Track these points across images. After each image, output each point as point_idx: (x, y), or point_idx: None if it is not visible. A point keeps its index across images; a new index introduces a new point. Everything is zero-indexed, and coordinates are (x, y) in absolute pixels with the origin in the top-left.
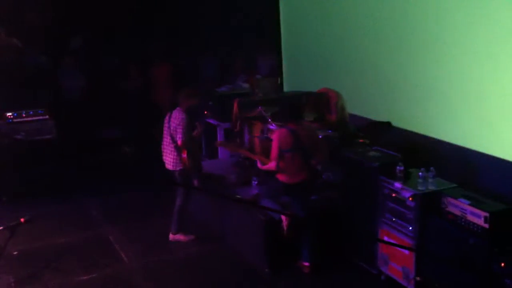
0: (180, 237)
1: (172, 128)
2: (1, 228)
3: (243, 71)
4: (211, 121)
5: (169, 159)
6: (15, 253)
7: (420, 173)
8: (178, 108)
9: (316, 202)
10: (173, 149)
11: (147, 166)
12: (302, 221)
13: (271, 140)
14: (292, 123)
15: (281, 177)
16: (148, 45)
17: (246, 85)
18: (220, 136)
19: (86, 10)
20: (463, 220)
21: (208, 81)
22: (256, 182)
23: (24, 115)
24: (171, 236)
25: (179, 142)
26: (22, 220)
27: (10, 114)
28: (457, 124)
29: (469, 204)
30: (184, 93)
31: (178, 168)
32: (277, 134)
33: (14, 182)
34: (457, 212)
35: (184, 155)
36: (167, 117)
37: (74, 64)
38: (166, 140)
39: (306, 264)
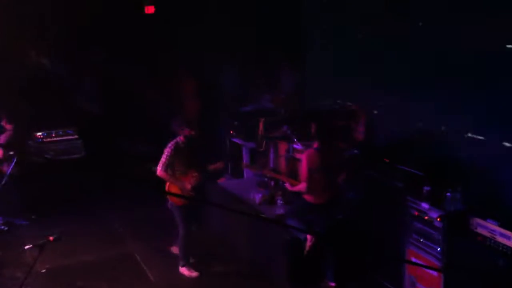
0: (184, 271)
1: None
2: (30, 246)
3: (267, 90)
4: (236, 140)
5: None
6: (43, 271)
7: (447, 193)
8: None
9: (342, 222)
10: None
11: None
12: (327, 240)
13: (296, 159)
14: (319, 143)
15: (307, 197)
16: (174, 62)
17: (270, 104)
18: (245, 156)
19: (109, 26)
20: (492, 241)
21: (232, 100)
22: (281, 202)
23: (53, 135)
24: (180, 269)
25: (157, 171)
26: (50, 238)
27: (40, 134)
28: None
29: (498, 225)
30: (176, 122)
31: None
32: (305, 155)
33: (42, 200)
34: (486, 233)
35: (167, 186)
36: None
37: (98, 81)
38: None
39: (332, 284)
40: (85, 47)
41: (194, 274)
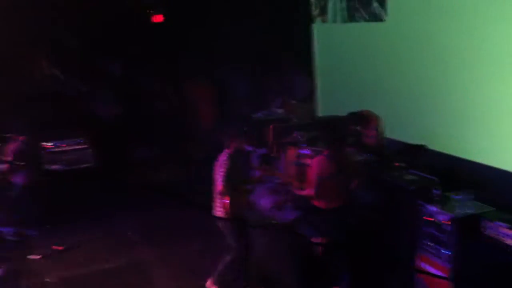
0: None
1: (216, 172)
2: (39, 256)
3: (277, 96)
4: (248, 147)
5: (216, 204)
6: (53, 280)
7: (457, 197)
8: (225, 150)
9: (353, 227)
10: (216, 194)
11: (184, 188)
12: (338, 245)
13: (306, 165)
14: (330, 150)
15: (318, 203)
16: (184, 68)
17: (281, 111)
18: (255, 162)
19: (119, 34)
20: (502, 244)
21: (243, 106)
22: (292, 207)
23: (64, 145)
24: (208, 283)
25: (218, 187)
26: (60, 248)
27: (51, 144)
28: (495, 146)
29: (508, 228)
30: (228, 134)
31: (219, 215)
32: (315, 162)
33: (55, 210)
34: (496, 236)
35: (226, 201)
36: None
37: (109, 87)
38: (214, 185)
39: None
40: (96, 56)
41: None
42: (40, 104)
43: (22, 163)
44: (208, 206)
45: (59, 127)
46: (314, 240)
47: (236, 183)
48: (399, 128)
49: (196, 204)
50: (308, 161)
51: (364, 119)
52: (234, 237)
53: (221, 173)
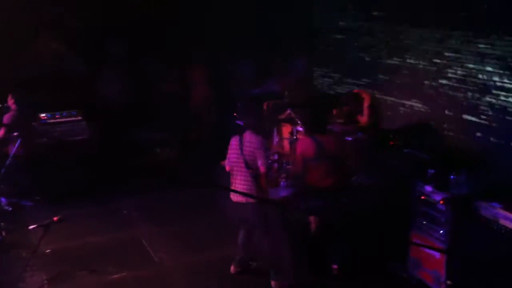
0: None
1: (247, 154)
2: (34, 226)
3: (274, 73)
4: (240, 122)
5: (243, 187)
6: (48, 251)
7: (452, 176)
8: (250, 131)
9: (346, 205)
10: (248, 177)
11: (183, 168)
12: (331, 223)
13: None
14: (318, 133)
15: (309, 181)
16: (185, 48)
17: (277, 88)
18: None
19: (124, 15)
20: (495, 224)
21: (239, 83)
22: (285, 184)
23: (57, 117)
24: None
25: (261, 169)
26: (55, 218)
27: (44, 115)
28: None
29: (502, 208)
30: (258, 115)
31: (251, 201)
32: (300, 142)
33: (49, 182)
34: (489, 215)
35: (264, 184)
36: (236, 141)
37: (111, 68)
38: (238, 168)
39: (335, 266)
40: (99, 36)
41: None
42: (39, 78)
43: (15, 134)
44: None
45: (58, 101)
46: (308, 218)
47: None
48: (396, 107)
49: (193, 184)
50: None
51: (356, 97)
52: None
53: (261, 153)
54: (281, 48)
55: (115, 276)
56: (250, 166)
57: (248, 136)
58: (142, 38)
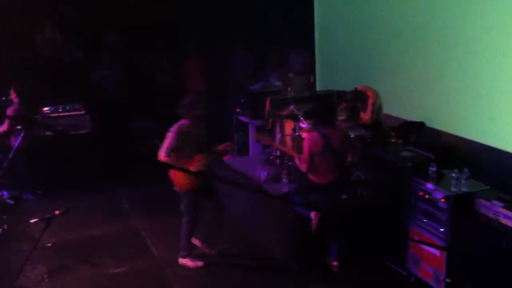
0: (187, 262)
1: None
2: (36, 220)
3: (276, 68)
4: (243, 118)
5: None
6: (49, 244)
7: (453, 174)
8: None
9: (347, 201)
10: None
11: None
12: (331, 219)
13: (302, 138)
14: (324, 127)
15: (311, 177)
16: (182, 39)
17: (278, 83)
18: (252, 133)
19: (121, 5)
20: (496, 222)
21: (241, 77)
22: (286, 180)
23: (60, 110)
24: (180, 260)
25: (159, 156)
26: (56, 212)
27: (47, 109)
28: (492, 125)
29: (503, 207)
30: (184, 104)
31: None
32: (308, 138)
33: (49, 175)
34: (490, 214)
35: (171, 172)
36: None
37: (109, 59)
38: None
39: (334, 263)
40: (98, 27)
41: (200, 263)
42: (40, 70)
43: (18, 127)
44: None
45: (58, 94)
46: (308, 214)
47: (181, 153)
48: (398, 105)
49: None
50: (304, 135)
51: (360, 94)
52: (184, 204)
53: (165, 144)
54: (281, 42)
55: (115, 270)
56: None
57: None
58: (140, 30)
